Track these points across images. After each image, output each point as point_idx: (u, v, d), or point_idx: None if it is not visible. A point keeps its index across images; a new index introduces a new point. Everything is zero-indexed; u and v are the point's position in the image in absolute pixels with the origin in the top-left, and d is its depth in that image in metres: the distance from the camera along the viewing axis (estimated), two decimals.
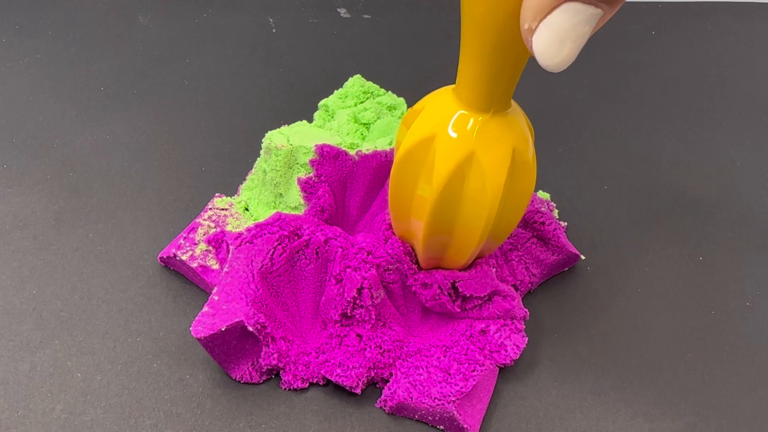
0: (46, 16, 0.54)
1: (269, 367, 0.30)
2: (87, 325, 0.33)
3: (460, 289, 0.31)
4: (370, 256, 0.31)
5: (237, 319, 0.29)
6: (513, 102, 0.28)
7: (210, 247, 0.34)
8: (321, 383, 0.31)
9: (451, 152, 0.27)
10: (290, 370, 0.30)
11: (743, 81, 0.51)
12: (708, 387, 0.31)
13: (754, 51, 0.55)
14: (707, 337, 0.34)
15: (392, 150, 0.35)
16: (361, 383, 0.30)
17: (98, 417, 0.29)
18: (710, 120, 0.47)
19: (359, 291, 0.30)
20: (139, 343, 0.32)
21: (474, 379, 0.29)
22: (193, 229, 0.35)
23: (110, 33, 0.52)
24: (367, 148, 0.35)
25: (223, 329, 0.29)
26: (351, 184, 0.35)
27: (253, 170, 0.38)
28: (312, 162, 0.34)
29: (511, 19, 0.22)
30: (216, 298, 0.30)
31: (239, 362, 0.30)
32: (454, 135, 0.27)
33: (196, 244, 0.34)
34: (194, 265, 0.33)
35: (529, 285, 0.35)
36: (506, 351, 0.31)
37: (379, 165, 0.35)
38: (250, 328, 0.29)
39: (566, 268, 0.36)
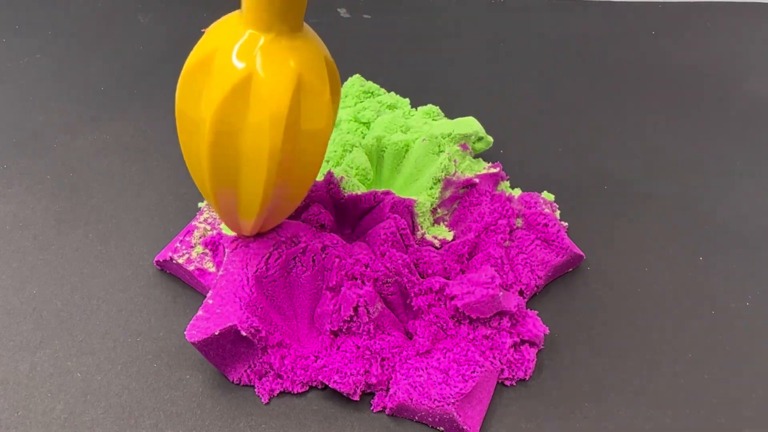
0: (46, 16, 0.54)
1: (267, 372, 0.30)
2: (87, 325, 0.33)
3: (466, 312, 0.31)
4: (368, 270, 0.31)
5: (230, 323, 0.29)
6: (308, 29, 0.26)
7: (207, 250, 0.34)
8: (320, 387, 0.31)
9: (228, 72, 0.24)
10: (288, 376, 0.30)
11: (743, 81, 0.51)
12: (708, 387, 0.31)
13: (754, 51, 0.55)
14: (707, 337, 0.34)
15: (386, 192, 0.34)
16: (358, 390, 0.30)
17: (98, 417, 0.29)
18: (710, 120, 0.47)
19: (355, 309, 0.30)
20: (139, 343, 0.32)
21: (474, 381, 0.29)
22: (189, 232, 0.35)
23: (110, 33, 0.52)
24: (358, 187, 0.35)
25: (216, 333, 0.29)
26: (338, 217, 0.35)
27: None
28: None
29: None
30: (210, 301, 0.30)
31: (236, 365, 0.30)
32: (232, 53, 0.24)
33: (192, 247, 0.34)
34: (191, 268, 0.33)
35: (535, 288, 0.34)
36: (520, 369, 0.31)
37: (368, 207, 0.34)
38: (244, 333, 0.29)
39: (570, 269, 0.36)
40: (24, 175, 0.40)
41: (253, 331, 0.29)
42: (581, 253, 0.36)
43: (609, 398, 0.31)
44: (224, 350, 0.30)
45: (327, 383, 0.30)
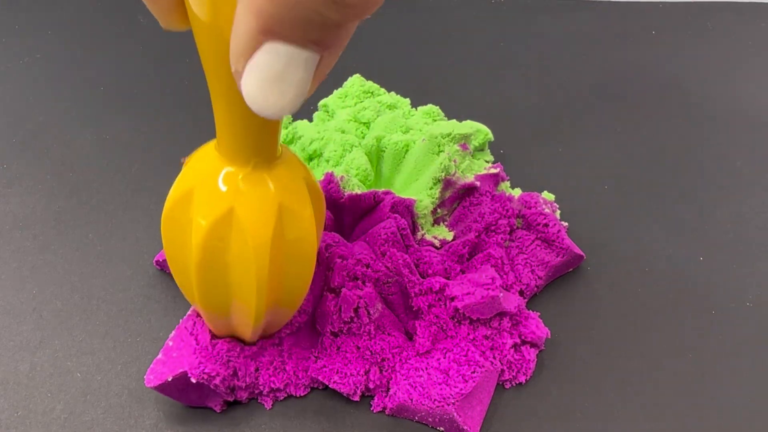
0: (46, 16, 0.54)
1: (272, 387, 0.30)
2: (87, 325, 0.33)
3: (466, 313, 0.31)
4: (368, 270, 0.31)
5: (181, 370, 0.28)
6: (288, 152, 0.26)
7: None
8: (321, 388, 0.31)
9: (208, 208, 0.24)
10: (292, 381, 0.30)
11: (743, 81, 0.51)
12: (708, 387, 0.31)
13: (754, 51, 0.55)
14: (707, 337, 0.34)
15: (386, 192, 0.34)
16: (358, 390, 0.30)
17: (98, 417, 0.29)
18: (710, 120, 0.47)
19: (356, 310, 0.30)
20: (139, 343, 0.32)
21: (474, 381, 0.29)
22: None
23: (110, 33, 0.52)
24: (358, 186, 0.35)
25: (169, 379, 0.28)
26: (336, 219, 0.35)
27: None
28: None
29: (227, 64, 0.19)
30: (170, 343, 0.30)
31: (208, 401, 0.29)
32: (210, 190, 0.24)
33: None
34: None
35: (535, 288, 0.34)
36: (520, 370, 0.31)
37: (368, 207, 0.34)
38: (193, 380, 0.28)
39: (570, 270, 0.36)
40: (24, 175, 0.40)
41: (206, 377, 0.28)
42: (581, 253, 0.36)
43: (609, 398, 0.31)
44: (185, 392, 0.29)
45: (327, 383, 0.30)
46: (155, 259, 0.35)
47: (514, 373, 0.31)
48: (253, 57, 0.18)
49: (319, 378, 0.30)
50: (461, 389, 0.29)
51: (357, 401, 0.30)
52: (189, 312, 0.31)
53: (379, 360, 0.30)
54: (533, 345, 0.32)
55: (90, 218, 0.38)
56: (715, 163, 0.44)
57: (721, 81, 0.51)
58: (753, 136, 0.46)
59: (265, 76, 0.18)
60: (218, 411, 0.29)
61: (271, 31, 0.17)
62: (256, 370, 0.30)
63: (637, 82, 0.51)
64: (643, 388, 0.31)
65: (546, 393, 0.31)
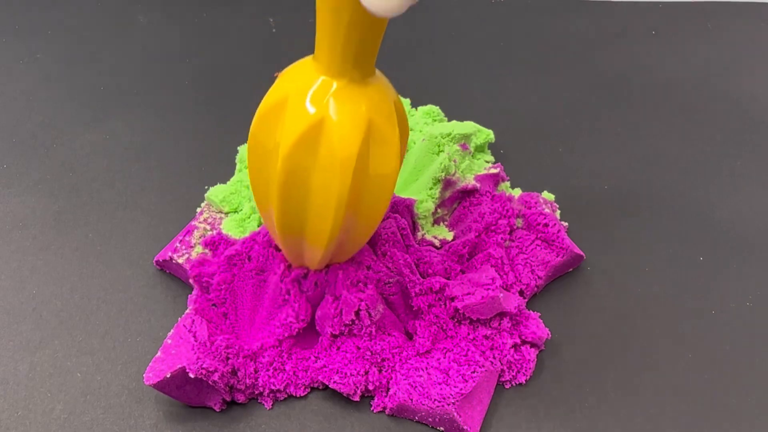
0: (46, 16, 0.54)
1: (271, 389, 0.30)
2: (87, 325, 0.33)
3: (466, 314, 0.31)
4: (369, 271, 0.31)
5: (180, 366, 0.28)
6: (380, 75, 0.26)
7: (206, 250, 0.34)
8: (321, 388, 0.31)
9: (300, 117, 0.25)
10: (291, 381, 0.30)
11: (743, 81, 0.51)
12: (708, 387, 0.31)
13: (754, 51, 0.55)
14: (707, 337, 0.34)
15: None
16: (359, 390, 0.30)
17: (98, 417, 0.29)
18: (710, 120, 0.47)
19: (357, 313, 0.30)
20: (139, 343, 0.32)
21: (474, 381, 0.29)
22: (189, 232, 0.35)
23: (110, 33, 0.52)
24: None
25: (168, 376, 0.28)
26: None
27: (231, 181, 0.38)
28: None
29: None
30: (169, 341, 0.30)
31: (207, 399, 0.29)
32: (304, 99, 0.25)
33: (192, 246, 0.34)
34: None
35: (535, 288, 0.34)
36: (520, 370, 0.31)
37: None
38: (192, 375, 0.28)
39: (570, 270, 0.36)
40: (24, 175, 0.40)
41: (204, 372, 0.28)
42: (581, 253, 0.36)
43: (609, 398, 0.31)
44: (185, 390, 0.29)
45: (327, 383, 0.30)
46: (155, 259, 0.35)
47: (514, 373, 0.31)
48: None
49: (320, 378, 0.30)
50: (461, 389, 0.29)
51: (357, 401, 0.30)
52: (187, 311, 0.31)
53: (379, 360, 0.30)
54: (533, 345, 0.32)
55: (90, 218, 0.38)
56: (715, 163, 0.44)
57: (721, 81, 0.51)
58: (753, 136, 0.46)
59: None
60: (218, 410, 0.29)
61: None
62: (255, 371, 0.30)
63: (637, 82, 0.51)
64: (643, 388, 0.31)
65: (546, 393, 0.31)
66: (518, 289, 0.34)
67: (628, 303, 0.35)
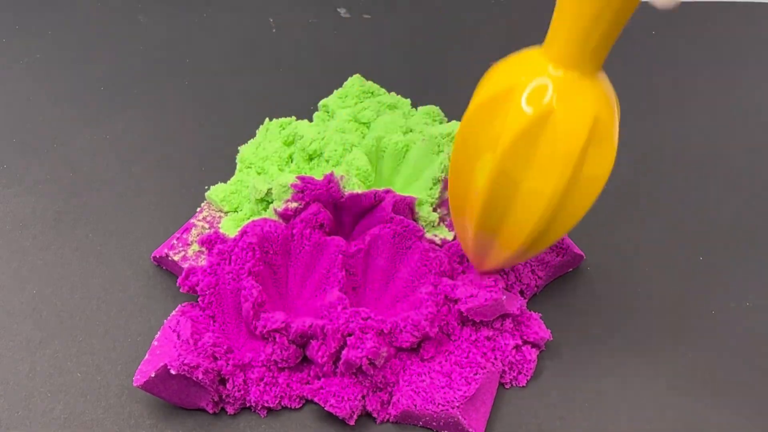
0: (46, 16, 0.54)
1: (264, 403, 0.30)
2: (87, 325, 0.33)
3: (470, 316, 0.31)
4: (369, 321, 0.30)
5: (162, 363, 0.28)
6: (603, 73, 0.26)
7: (203, 248, 0.34)
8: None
9: (527, 108, 0.24)
10: (285, 394, 0.30)
11: (743, 81, 0.51)
12: (708, 387, 0.31)
13: (754, 51, 0.55)
14: (707, 337, 0.34)
15: (386, 191, 0.34)
16: (355, 415, 0.29)
17: (98, 417, 0.29)
18: (710, 120, 0.47)
19: (359, 368, 0.29)
20: (139, 343, 0.32)
21: (476, 383, 0.29)
22: (187, 230, 0.35)
23: (110, 33, 0.52)
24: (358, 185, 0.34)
25: (153, 375, 0.28)
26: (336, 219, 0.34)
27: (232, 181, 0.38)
28: (295, 186, 0.33)
29: None
30: (155, 343, 0.30)
31: (198, 400, 0.29)
32: (532, 90, 0.24)
33: (189, 244, 0.34)
34: (186, 265, 0.33)
35: (535, 288, 0.34)
36: (521, 370, 0.31)
37: (368, 206, 0.34)
38: (173, 371, 0.28)
39: (570, 270, 0.36)
40: (24, 175, 0.40)
41: (186, 369, 0.28)
42: (581, 253, 0.36)
43: (609, 398, 0.31)
44: (174, 388, 0.29)
45: (323, 405, 0.29)
46: (153, 255, 0.35)
47: (515, 374, 0.31)
48: None
49: (315, 399, 0.29)
50: (465, 392, 0.29)
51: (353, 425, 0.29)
52: (173, 312, 0.31)
53: (379, 383, 0.30)
54: (534, 345, 0.32)
55: (90, 218, 0.38)
56: (715, 162, 0.44)
57: (721, 81, 0.51)
58: (753, 136, 0.46)
59: None
60: (211, 412, 0.29)
61: None
62: (245, 382, 0.29)
63: (637, 82, 0.51)
64: (643, 388, 0.31)
65: (546, 393, 0.31)
66: (518, 289, 0.34)
67: (628, 303, 0.35)
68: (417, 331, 0.29)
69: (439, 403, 0.29)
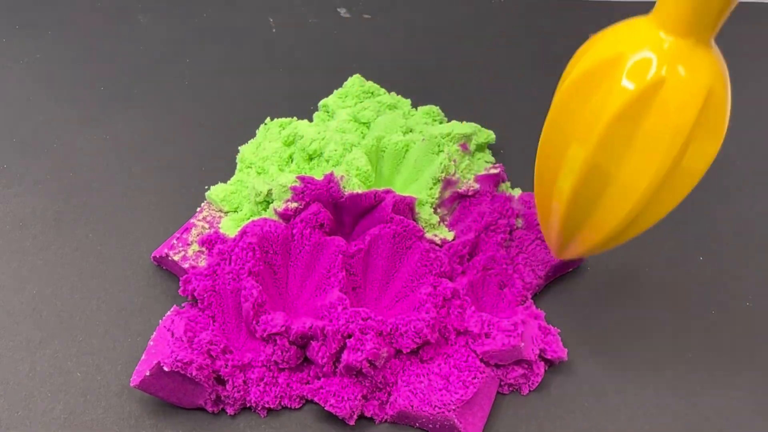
0: (46, 16, 0.54)
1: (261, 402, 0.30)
2: (87, 325, 0.33)
3: (484, 359, 0.30)
4: (369, 321, 0.29)
5: (155, 361, 0.28)
6: (715, 44, 0.23)
7: (203, 248, 0.34)
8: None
9: (637, 77, 0.22)
10: (285, 394, 0.30)
11: (743, 81, 0.51)
12: (708, 387, 0.31)
13: (754, 51, 0.55)
14: (707, 337, 0.34)
15: (386, 191, 0.34)
16: (355, 414, 0.29)
17: (98, 417, 0.29)
18: None
19: (359, 371, 0.29)
20: (139, 343, 0.32)
21: (474, 387, 0.29)
22: (187, 230, 0.35)
23: (110, 33, 0.52)
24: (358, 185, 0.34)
25: (147, 374, 0.28)
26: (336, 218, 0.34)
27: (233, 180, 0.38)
28: (294, 187, 0.33)
29: None
30: (151, 343, 0.30)
31: (196, 398, 0.29)
32: (643, 57, 0.22)
33: (189, 244, 0.34)
34: (186, 265, 0.33)
35: (536, 288, 0.34)
36: (526, 382, 0.31)
37: (368, 206, 0.34)
38: (167, 369, 0.28)
39: (570, 269, 0.36)
40: (24, 175, 0.40)
41: (180, 365, 0.28)
42: None
43: (609, 398, 0.31)
44: (171, 386, 0.29)
45: (323, 405, 0.29)
46: (152, 254, 0.35)
47: (518, 386, 0.31)
48: None
49: (315, 399, 0.29)
50: (462, 395, 0.29)
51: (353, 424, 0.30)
52: (168, 312, 0.31)
53: (378, 383, 0.30)
54: (548, 362, 0.32)
55: (90, 218, 0.38)
56: (715, 163, 0.44)
57: None
58: (753, 136, 0.46)
59: None
60: (210, 411, 0.29)
61: None
62: (244, 383, 0.29)
63: None
64: (643, 388, 0.31)
65: (546, 394, 0.31)
66: (519, 287, 0.34)
67: (628, 303, 0.35)
68: (419, 338, 0.29)
69: (435, 406, 0.29)
